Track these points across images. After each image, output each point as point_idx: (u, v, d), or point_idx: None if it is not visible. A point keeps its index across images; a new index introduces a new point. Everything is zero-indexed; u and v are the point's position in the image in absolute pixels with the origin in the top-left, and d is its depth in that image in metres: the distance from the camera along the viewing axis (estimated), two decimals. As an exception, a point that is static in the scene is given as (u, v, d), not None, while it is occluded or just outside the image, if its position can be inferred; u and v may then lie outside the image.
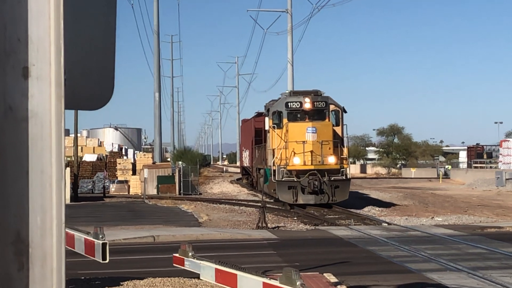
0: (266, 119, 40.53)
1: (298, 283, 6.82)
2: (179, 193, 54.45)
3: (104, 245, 9.25)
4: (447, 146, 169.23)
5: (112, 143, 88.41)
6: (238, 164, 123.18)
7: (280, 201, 38.90)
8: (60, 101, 1.85)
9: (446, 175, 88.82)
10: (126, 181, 61.42)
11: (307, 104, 39.11)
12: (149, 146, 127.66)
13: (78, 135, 59.06)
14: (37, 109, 1.84)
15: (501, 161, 78.35)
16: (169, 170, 59.08)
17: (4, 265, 1.81)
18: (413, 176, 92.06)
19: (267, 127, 40.61)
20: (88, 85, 2.45)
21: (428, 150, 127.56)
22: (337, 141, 38.79)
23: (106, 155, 70.38)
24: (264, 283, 7.38)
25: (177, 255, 9.63)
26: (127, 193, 59.26)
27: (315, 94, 39.86)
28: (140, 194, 55.66)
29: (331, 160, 37.77)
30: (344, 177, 37.94)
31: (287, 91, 42.07)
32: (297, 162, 37.83)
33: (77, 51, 2.35)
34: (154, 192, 55.27)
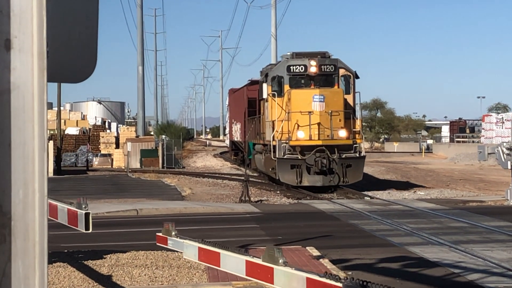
0: (264, 85, 34.68)
1: (280, 260, 6.83)
2: (162, 167, 54.45)
3: (87, 215, 9.24)
4: (429, 120, 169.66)
5: (95, 117, 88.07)
6: (222, 138, 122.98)
7: (282, 182, 33.90)
8: (43, 73, 1.84)
9: (428, 150, 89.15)
10: (109, 155, 61.32)
11: (313, 68, 33.64)
12: (133, 120, 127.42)
13: (61, 108, 58.75)
14: (19, 81, 1.83)
15: (483, 136, 78.69)
16: (152, 144, 59.01)
17: (-13, 238, 1.80)
18: (395, 150, 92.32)
19: (265, 95, 34.71)
20: (71, 58, 2.43)
21: (411, 125, 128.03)
22: (349, 112, 33.71)
23: (89, 129, 70.14)
24: (247, 261, 7.39)
25: (160, 234, 9.61)
26: (110, 166, 59.17)
27: (322, 56, 34.42)
28: (123, 167, 55.57)
29: (342, 134, 32.78)
30: (357, 154, 33.02)
31: (288, 53, 35.70)
32: (301, 136, 32.77)
33: (59, 24, 2.33)
34: (138, 165, 55.23)
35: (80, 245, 16.38)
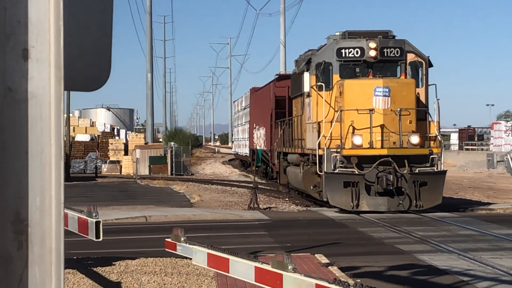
0: (306, 75, 26.54)
1: (290, 267, 6.85)
2: (171, 174, 54.54)
3: (97, 223, 9.29)
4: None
5: (104, 123, 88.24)
6: (230, 145, 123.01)
7: (332, 206, 26.04)
8: (60, 83, 1.87)
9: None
10: (118, 161, 61.46)
11: (372, 52, 25.68)
12: (141, 127, 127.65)
13: (70, 115, 58.98)
14: (37, 90, 1.86)
15: (492, 143, 78.60)
16: (161, 151, 59.13)
17: (4, 244, 1.84)
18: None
19: (306, 88, 26.65)
20: (85, 67, 2.47)
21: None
22: (424, 110, 26.11)
23: (98, 135, 70.32)
24: (256, 268, 7.40)
25: (169, 240, 9.62)
26: (119, 173, 59.31)
27: (383, 36, 26.32)
28: (132, 174, 55.69)
29: (415, 140, 24.85)
30: (434, 168, 25.17)
31: (337, 33, 27.15)
32: (358, 143, 24.84)
33: (74, 33, 2.37)
34: (146, 172, 55.32)
35: (89, 251, 16.41)
